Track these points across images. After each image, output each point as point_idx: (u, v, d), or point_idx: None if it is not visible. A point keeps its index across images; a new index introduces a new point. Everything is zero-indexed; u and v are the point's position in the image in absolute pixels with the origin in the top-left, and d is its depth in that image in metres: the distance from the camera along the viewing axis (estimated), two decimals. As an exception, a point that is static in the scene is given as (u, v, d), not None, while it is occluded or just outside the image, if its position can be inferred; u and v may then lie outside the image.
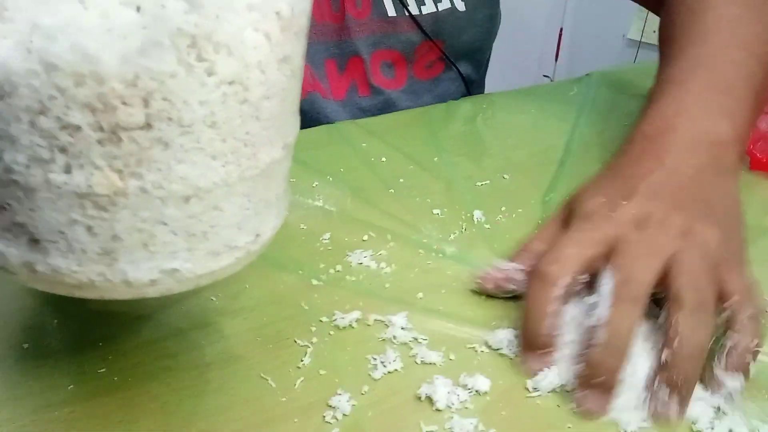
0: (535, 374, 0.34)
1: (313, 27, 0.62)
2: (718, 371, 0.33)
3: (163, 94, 0.22)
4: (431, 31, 0.68)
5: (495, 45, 0.80)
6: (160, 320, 0.37)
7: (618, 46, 2.01)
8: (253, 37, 0.24)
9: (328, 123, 0.62)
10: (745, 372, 0.33)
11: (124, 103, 0.22)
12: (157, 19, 0.22)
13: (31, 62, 0.21)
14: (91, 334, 0.36)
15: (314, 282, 0.40)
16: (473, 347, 0.36)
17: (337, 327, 0.37)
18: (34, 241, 0.24)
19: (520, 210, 0.48)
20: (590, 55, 2.09)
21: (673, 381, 0.32)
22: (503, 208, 0.48)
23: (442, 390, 0.33)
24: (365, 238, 0.44)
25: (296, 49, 0.27)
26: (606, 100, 0.66)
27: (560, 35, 2.16)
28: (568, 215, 0.41)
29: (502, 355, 0.36)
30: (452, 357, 0.35)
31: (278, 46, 0.25)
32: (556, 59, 2.20)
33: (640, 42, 1.93)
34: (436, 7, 0.67)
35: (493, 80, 0.85)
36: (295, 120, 0.30)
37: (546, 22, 2.17)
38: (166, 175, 0.24)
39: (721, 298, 0.35)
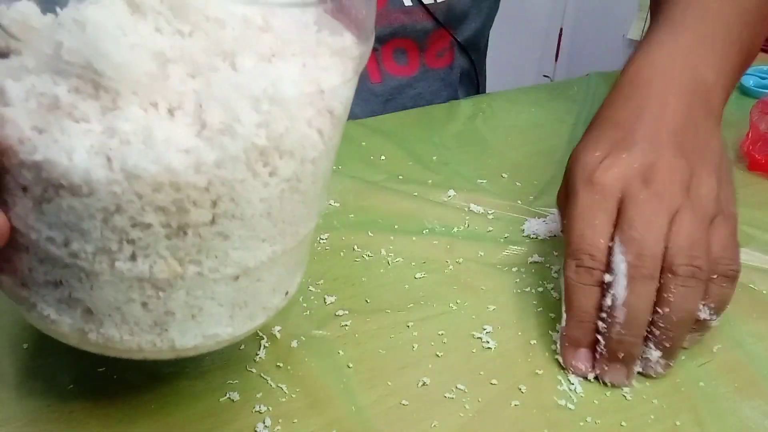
0: (578, 372, 0.35)
1: None
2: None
3: (230, 197, 0.24)
4: (443, 20, 0.68)
5: (495, 45, 0.80)
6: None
7: (618, 46, 2.01)
8: (310, 137, 0.25)
9: None
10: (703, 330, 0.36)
11: (195, 205, 0.23)
12: (232, 132, 0.23)
13: (113, 171, 0.22)
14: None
15: (311, 288, 0.40)
16: (470, 346, 0.36)
17: (337, 328, 0.37)
18: (89, 313, 0.25)
19: (518, 209, 0.48)
20: (590, 55, 2.09)
21: (661, 343, 0.35)
22: (502, 207, 0.48)
23: (440, 391, 0.33)
24: (365, 236, 0.44)
25: (340, 136, 0.28)
26: (606, 100, 0.66)
27: (560, 35, 2.16)
28: (570, 177, 0.40)
29: (497, 355, 0.36)
30: (450, 357, 0.35)
31: (329, 140, 0.26)
32: (556, 59, 2.20)
33: (640, 42, 1.93)
34: None
35: (493, 80, 0.85)
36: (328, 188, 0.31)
37: (546, 22, 2.17)
38: (222, 261, 0.25)
39: (709, 259, 0.35)
